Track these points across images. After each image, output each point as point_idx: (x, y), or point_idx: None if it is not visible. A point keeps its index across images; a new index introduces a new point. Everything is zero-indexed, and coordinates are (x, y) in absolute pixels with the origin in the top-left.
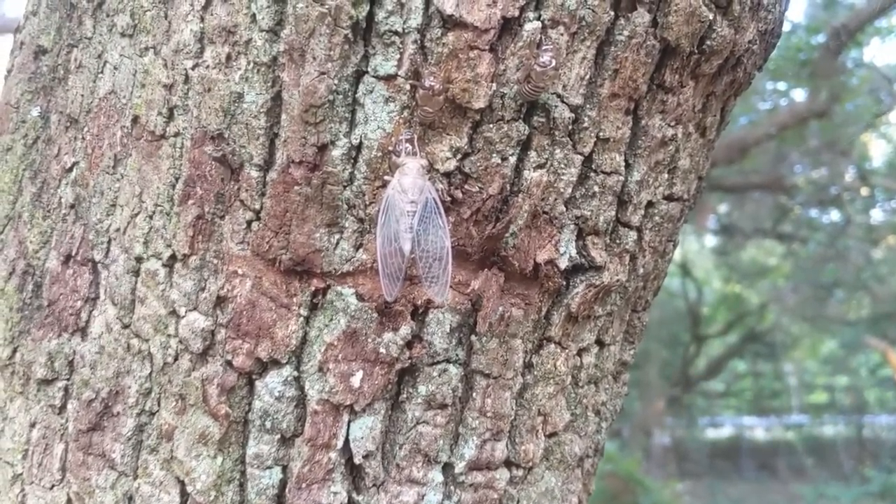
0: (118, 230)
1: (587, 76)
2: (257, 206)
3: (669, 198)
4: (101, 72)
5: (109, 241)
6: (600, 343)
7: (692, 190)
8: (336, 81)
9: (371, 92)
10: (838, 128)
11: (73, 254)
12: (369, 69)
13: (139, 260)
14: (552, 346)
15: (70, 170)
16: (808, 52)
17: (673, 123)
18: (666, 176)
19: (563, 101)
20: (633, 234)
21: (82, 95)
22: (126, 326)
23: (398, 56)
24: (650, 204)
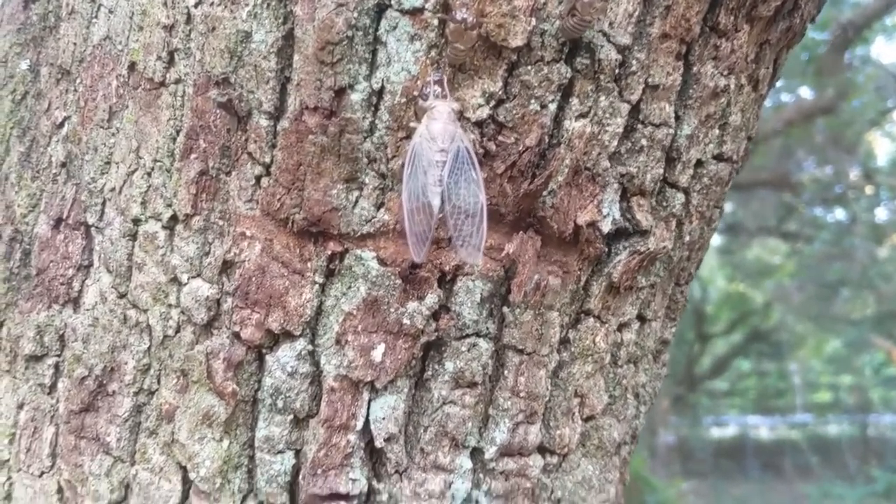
0: (113, 190)
1: (636, 13)
2: (267, 160)
3: (719, 157)
4: (95, 16)
5: (104, 203)
6: (641, 318)
7: (741, 151)
8: (355, 15)
9: (394, 28)
10: (844, 125)
11: (65, 217)
12: (393, 2)
13: (136, 222)
14: (591, 319)
15: (61, 125)
16: (814, 48)
17: (725, 72)
18: (717, 132)
19: (609, 41)
20: (680, 197)
21: (74, 44)
22: (122, 296)
23: None
24: (699, 163)
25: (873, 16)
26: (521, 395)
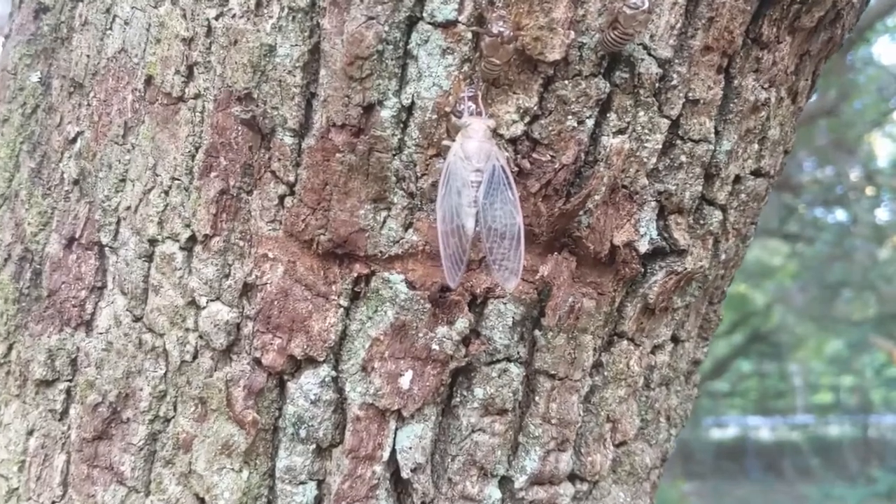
0: (128, 208)
1: (678, 25)
2: (291, 179)
3: (757, 173)
4: (110, 28)
5: (118, 222)
6: (675, 339)
7: (778, 165)
8: (386, 28)
9: (426, 42)
10: (845, 127)
11: (77, 236)
12: (424, 14)
13: (153, 242)
14: (625, 342)
15: (74, 140)
16: None
17: (766, 85)
18: (756, 147)
19: (650, 54)
20: (718, 214)
21: (88, 56)
22: (137, 319)
23: None
24: (737, 179)
25: (875, 17)
26: (553, 421)
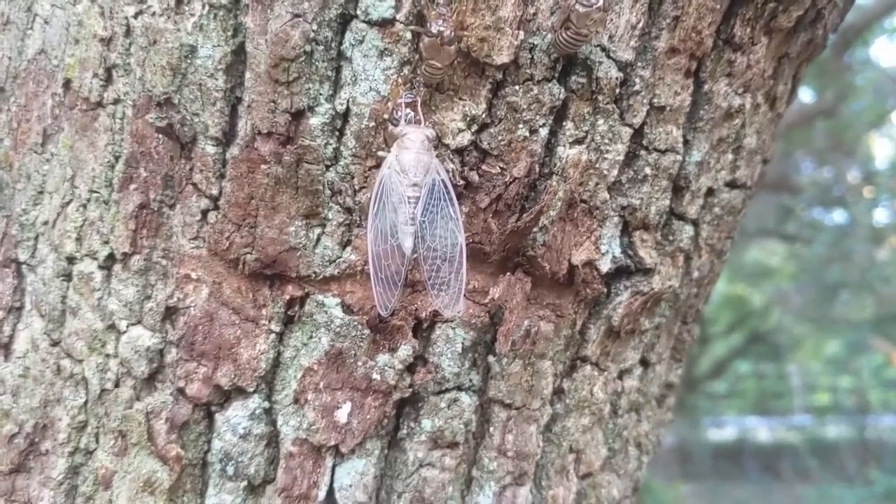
0: (46, 223)
1: (640, 24)
2: (215, 192)
3: (732, 184)
4: (31, 28)
5: (37, 238)
6: (645, 363)
7: (755, 175)
8: (315, 27)
9: (361, 42)
10: (843, 128)
11: None
12: (358, 12)
13: (71, 260)
14: (588, 367)
15: None
16: None
17: (741, 91)
18: (730, 157)
19: (609, 56)
20: (689, 229)
21: (9, 58)
22: (55, 343)
23: None
24: (710, 191)
25: (872, 18)
26: (509, 454)
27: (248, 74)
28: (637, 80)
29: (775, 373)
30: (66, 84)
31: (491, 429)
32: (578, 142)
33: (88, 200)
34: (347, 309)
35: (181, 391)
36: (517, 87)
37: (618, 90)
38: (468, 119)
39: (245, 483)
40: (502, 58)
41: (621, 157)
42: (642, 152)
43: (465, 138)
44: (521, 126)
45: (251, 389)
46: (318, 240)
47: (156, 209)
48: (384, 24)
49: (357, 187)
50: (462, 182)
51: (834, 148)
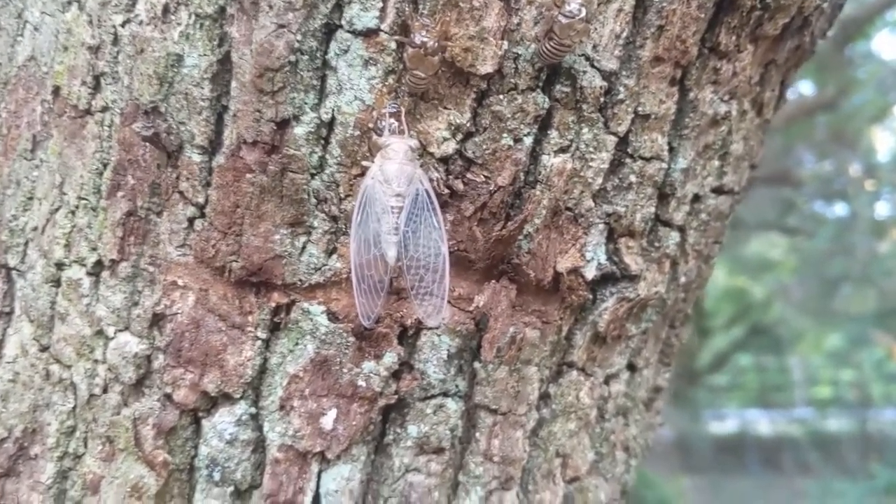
0: (35, 229)
1: (624, 34)
2: (201, 200)
3: (719, 190)
4: (21, 34)
5: (26, 243)
6: (632, 367)
7: (743, 181)
8: (299, 37)
9: (346, 52)
10: (845, 121)
11: None
12: (343, 22)
13: (60, 266)
14: (574, 373)
15: None
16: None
17: (727, 98)
18: (716, 163)
19: (593, 66)
20: (675, 236)
21: (0, 63)
22: (44, 349)
23: (381, 5)
24: (696, 198)
25: (874, 11)
26: (495, 459)
27: (233, 84)
28: (622, 89)
29: (776, 366)
30: (56, 91)
31: (477, 434)
32: (563, 150)
33: (77, 207)
34: (333, 317)
35: (168, 397)
36: (501, 97)
37: (602, 99)
38: (453, 128)
39: (232, 488)
40: (486, 67)
41: (606, 165)
42: (627, 160)
43: (450, 147)
44: (505, 135)
45: (238, 396)
46: (304, 248)
47: (143, 216)
48: (369, 34)
49: (342, 195)
50: (447, 190)
51: (835, 141)
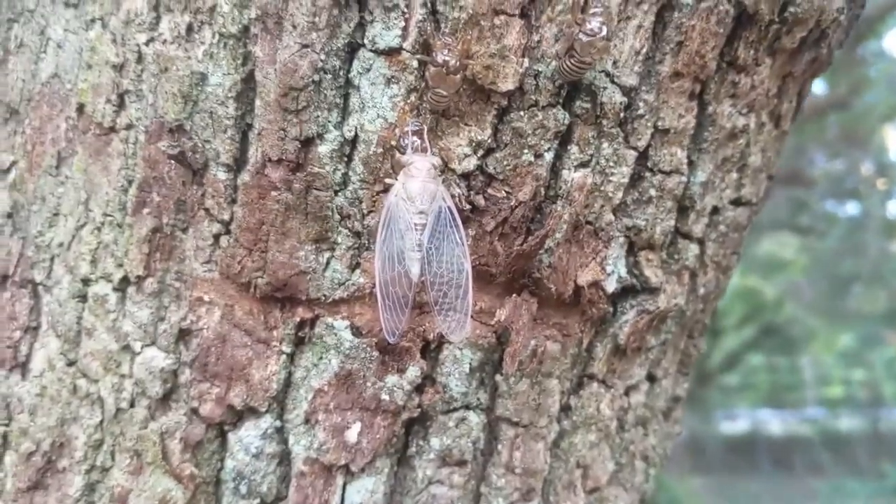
0: (61, 245)
1: (644, 50)
2: (226, 217)
3: (737, 202)
4: (44, 51)
5: (52, 259)
6: (651, 378)
7: (761, 192)
8: (323, 57)
9: (368, 70)
10: (857, 120)
11: (10, 273)
12: (366, 41)
13: (86, 282)
14: (595, 385)
15: (7, 171)
16: None
17: (745, 111)
18: (734, 175)
19: (613, 82)
20: (694, 248)
21: (23, 80)
22: (71, 363)
23: (403, 24)
24: (715, 210)
25: (885, 10)
26: (517, 471)
27: (257, 102)
28: (641, 104)
29: (788, 365)
30: (80, 108)
31: (499, 446)
32: (583, 165)
33: (102, 223)
34: (356, 331)
35: (195, 411)
36: (522, 113)
37: (622, 114)
38: (474, 144)
39: (258, 501)
40: (507, 84)
41: (626, 180)
42: (647, 174)
43: (471, 163)
44: (526, 151)
45: (263, 409)
46: (328, 263)
47: (169, 233)
48: (391, 52)
49: (365, 211)
50: (468, 206)
51: (847, 140)
